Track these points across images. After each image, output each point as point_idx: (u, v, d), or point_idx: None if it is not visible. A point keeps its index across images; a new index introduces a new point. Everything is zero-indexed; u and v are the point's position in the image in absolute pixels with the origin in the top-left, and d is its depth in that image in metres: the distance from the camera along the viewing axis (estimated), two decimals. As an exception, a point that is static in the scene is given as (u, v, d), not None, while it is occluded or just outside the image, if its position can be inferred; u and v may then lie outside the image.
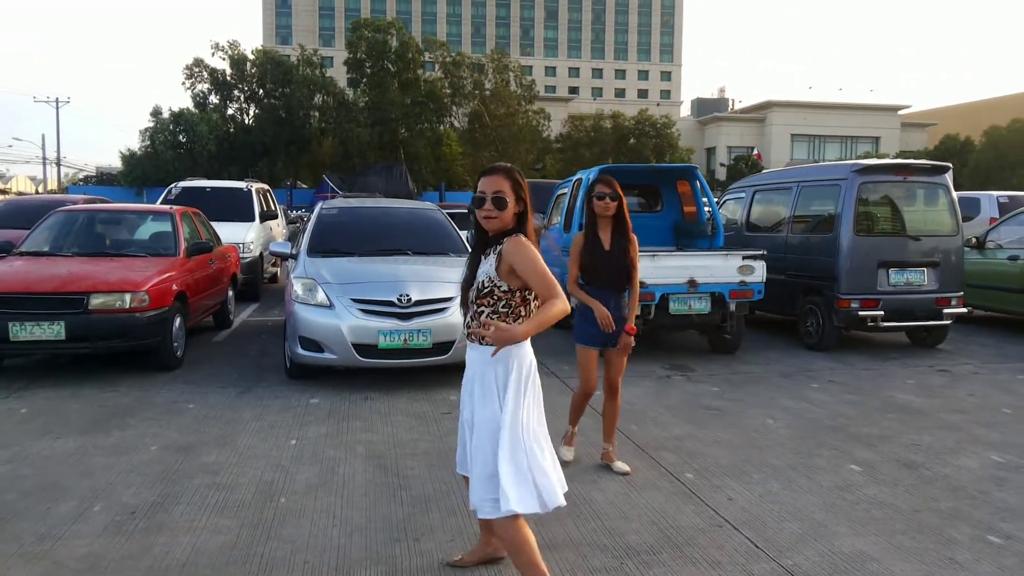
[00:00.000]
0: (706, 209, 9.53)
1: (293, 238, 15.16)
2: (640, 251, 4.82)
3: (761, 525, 3.98)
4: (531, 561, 2.92)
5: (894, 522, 4.03)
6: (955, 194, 8.93)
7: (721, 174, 61.17)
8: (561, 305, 2.82)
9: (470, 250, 3.17)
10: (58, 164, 57.43)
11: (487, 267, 3.01)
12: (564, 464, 4.12)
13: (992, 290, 9.97)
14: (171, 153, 43.62)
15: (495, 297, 2.98)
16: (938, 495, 4.41)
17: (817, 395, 6.74)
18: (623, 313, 4.63)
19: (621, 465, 4.74)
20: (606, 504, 4.23)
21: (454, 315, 6.66)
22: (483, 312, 3.00)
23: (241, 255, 11.43)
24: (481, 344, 2.99)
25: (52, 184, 62.04)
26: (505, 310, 2.98)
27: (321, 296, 6.71)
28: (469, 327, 3.06)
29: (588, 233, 4.68)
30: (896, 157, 46.07)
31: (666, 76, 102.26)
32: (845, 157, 65.72)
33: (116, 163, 52.47)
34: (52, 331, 6.49)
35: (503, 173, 3.00)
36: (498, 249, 2.98)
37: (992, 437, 5.54)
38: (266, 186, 15.65)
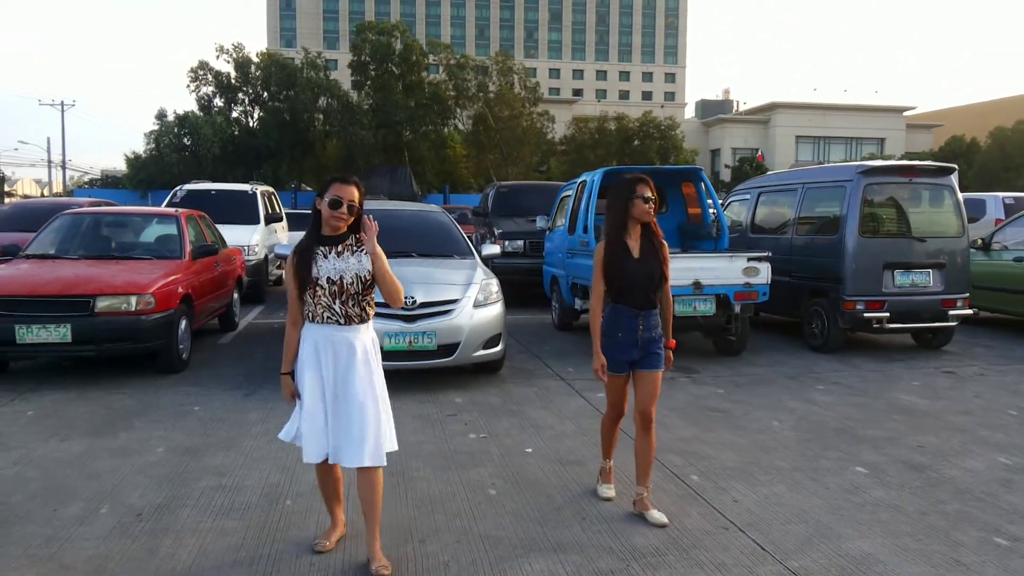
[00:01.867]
0: (711, 211, 9.53)
1: (298, 241, 15.16)
2: None
3: (767, 527, 3.97)
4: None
5: (900, 524, 4.02)
6: (960, 195, 8.91)
7: (726, 176, 61.07)
8: None
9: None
10: (63, 167, 57.58)
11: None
12: (606, 501, 4.20)
13: (998, 292, 9.94)
14: (176, 156, 43.64)
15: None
16: (944, 497, 4.40)
17: (823, 397, 6.72)
18: (651, 334, 4.05)
19: (658, 516, 4.01)
20: (611, 506, 4.23)
21: (459, 317, 6.67)
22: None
23: (246, 258, 11.46)
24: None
25: (57, 187, 62.22)
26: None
27: (326, 298, 6.71)
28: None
29: (615, 241, 4.05)
30: (901, 158, 45.97)
31: (670, 78, 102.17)
32: (850, 158, 65.60)
33: (121, 166, 52.53)
34: (58, 334, 6.52)
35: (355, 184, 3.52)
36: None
37: (998, 439, 5.53)
38: (271, 189, 15.68)
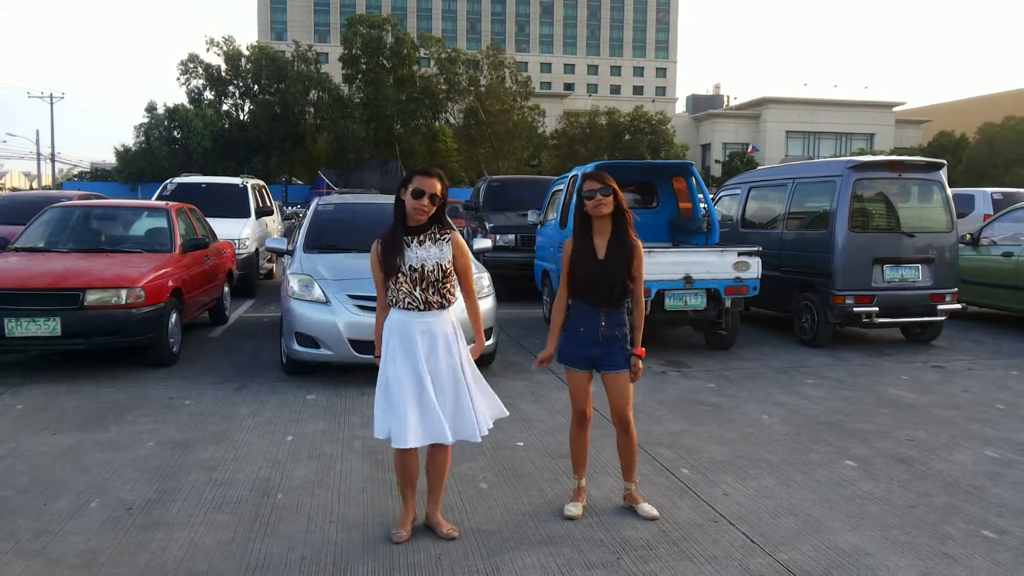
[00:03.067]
0: (701, 205, 9.55)
1: (289, 234, 15.16)
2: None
3: (756, 520, 4.00)
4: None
5: (889, 517, 4.05)
6: (949, 191, 8.95)
7: (716, 170, 61.21)
8: None
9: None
10: (52, 160, 57.21)
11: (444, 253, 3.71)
12: (569, 519, 3.98)
13: (986, 286, 10.01)
14: (166, 149, 43.46)
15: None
16: (932, 490, 4.44)
17: (812, 391, 6.76)
18: (614, 332, 3.94)
19: (648, 508, 4.04)
20: (602, 499, 4.24)
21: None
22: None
23: (237, 251, 11.44)
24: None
25: (46, 180, 61.79)
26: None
27: (317, 292, 6.71)
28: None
29: (580, 238, 3.98)
30: (891, 154, 46.14)
31: (661, 73, 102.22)
32: (840, 154, 65.80)
33: (111, 159, 52.31)
34: (48, 327, 6.48)
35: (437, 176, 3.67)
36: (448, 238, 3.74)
37: (986, 433, 5.57)
38: (262, 182, 15.63)
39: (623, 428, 4.06)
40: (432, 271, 3.62)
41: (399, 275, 3.60)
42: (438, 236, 3.70)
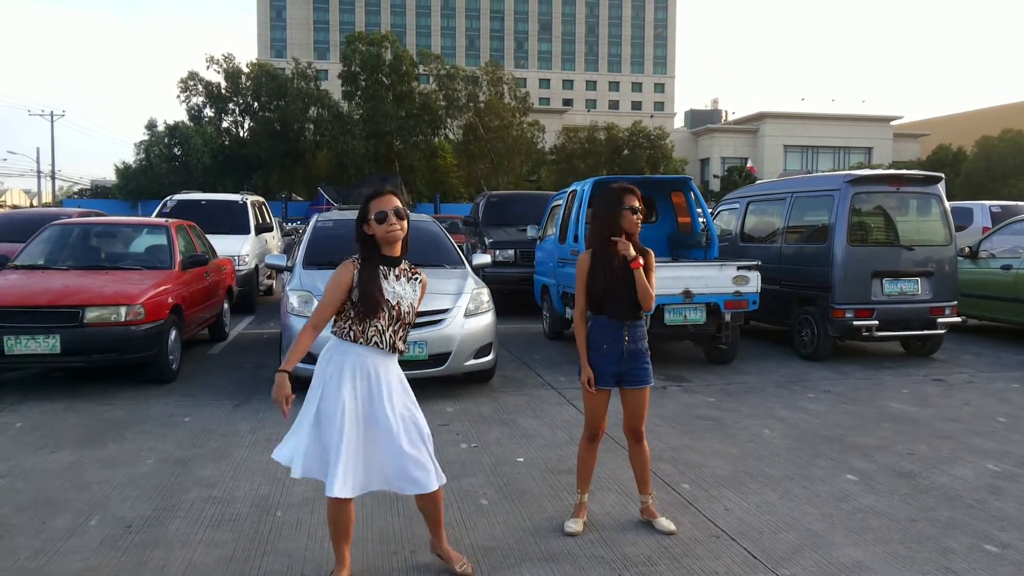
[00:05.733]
0: (700, 220, 9.57)
1: (288, 250, 15.17)
2: None
3: (758, 535, 3.98)
4: None
5: (891, 532, 4.03)
6: (948, 204, 8.98)
7: (715, 185, 61.36)
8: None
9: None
10: (52, 177, 57.34)
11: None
12: (570, 535, 3.93)
13: (986, 299, 10.01)
14: (166, 166, 43.60)
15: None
16: (934, 504, 4.42)
17: (813, 405, 6.75)
18: (638, 345, 3.94)
19: (665, 523, 4.01)
20: (603, 515, 4.23)
21: (450, 327, 6.67)
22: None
23: (236, 268, 11.44)
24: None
25: (47, 197, 61.91)
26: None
27: (317, 308, 6.69)
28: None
29: (597, 252, 3.92)
30: (889, 167, 46.26)
31: (659, 88, 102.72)
32: (838, 168, 65.97)
33: (111, 176, 52.42)
34: (47, 345, 6.48)
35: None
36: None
37: (988, 446, 5.56)
38: (261, 199, 15.66)
39: (636, 439, 4.06)
40: (408, 312, 3.33)
41: (380, 311, 3.24)
42: (411, 275, 3.42)
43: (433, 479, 3.34)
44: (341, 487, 3.15)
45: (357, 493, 3.24)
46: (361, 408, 3.25)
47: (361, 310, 3.24)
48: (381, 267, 3.30)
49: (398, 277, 3.35)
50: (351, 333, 3.26)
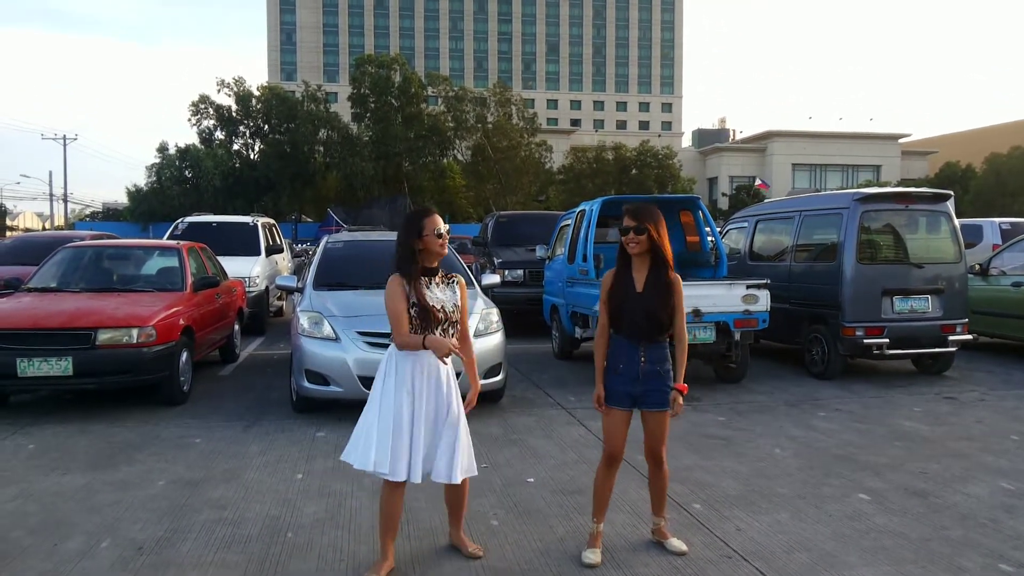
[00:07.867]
0: (709, 239, 9.58)
1: (299, 272, 15.25)
2: None
3: (770, 556, 3.96)
4: None
5: (904, 551, 4.00)
6: (957, 221, 8.96)
7: (723, 204, 61.36)
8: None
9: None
10: (65, 200, 57.87)
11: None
12: (588, 567, 3.83)
13: (997, 317, 9.96)
14: (177, 188, 43.93)
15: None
16: (948, 524, 4.39)
17: (824, 424, 6.72)
18: (655, 368, 3.87)
19: (677, 543, 4.02)
20: (614, 536, 4.21)
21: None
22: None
23: (247, 289, 11.50)
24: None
25: (59, 220, 62.45)
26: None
27: (327, 329, 6.74)
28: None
29: (619, 271, 3.96)
30: (897, 185, 46.20)
31: (667, 108, 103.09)
32: (846, 186, 65.97)
33: (122, 199, 52.88)
34: (60, 367, 6.52)
35: None
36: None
37: (1001, 464, 5.51)
38: (272, 220, 15.77)
39: (656, 463, 4.04)
40: (452, 312, 3.76)
41: (433, 318, 3.69)
42: (448, 280, 3.87)
43: (473, 469, 3.85)
44: (393, 471, 3.59)
45: (416, 480, 3.65)
46: (426, 404, 3.68)
47: (418, 318, 3.68)
48: (423, 278, 3.77)
49: (437, 284, 3.81)
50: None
